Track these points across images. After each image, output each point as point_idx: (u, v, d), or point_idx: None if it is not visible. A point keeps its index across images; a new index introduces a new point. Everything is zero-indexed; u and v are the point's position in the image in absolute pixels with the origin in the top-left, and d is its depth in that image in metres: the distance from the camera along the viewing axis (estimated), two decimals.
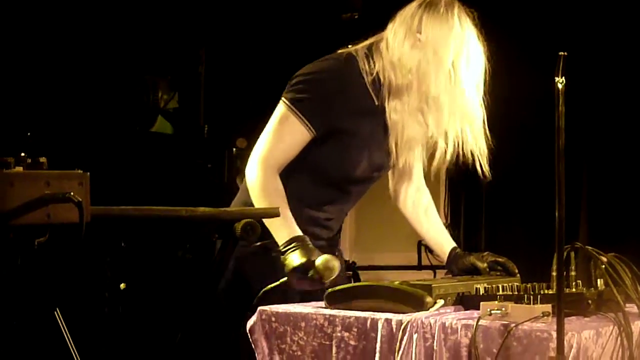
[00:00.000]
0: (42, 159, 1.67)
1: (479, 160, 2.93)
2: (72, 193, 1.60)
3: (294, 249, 2.68)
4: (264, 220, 2.65)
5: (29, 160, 1.66)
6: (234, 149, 4.97)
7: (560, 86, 1.83)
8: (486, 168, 2.94)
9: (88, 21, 4.82)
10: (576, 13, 5.31)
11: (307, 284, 2.66)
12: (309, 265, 2.63)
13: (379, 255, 6.66)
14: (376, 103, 2.90)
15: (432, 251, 5.95)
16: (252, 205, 2.83)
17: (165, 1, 5.21)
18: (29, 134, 4.37)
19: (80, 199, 1.60)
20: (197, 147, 5.07)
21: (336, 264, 2.62)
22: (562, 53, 1.84)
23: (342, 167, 2.93)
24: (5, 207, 1.59)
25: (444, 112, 2.86)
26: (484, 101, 2.93)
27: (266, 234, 2.69)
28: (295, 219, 2.80)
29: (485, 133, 2.94)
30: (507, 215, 6.54)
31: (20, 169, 1.67)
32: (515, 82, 5.91)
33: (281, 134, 2.85)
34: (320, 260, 2.61)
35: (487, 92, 2.92)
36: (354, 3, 4.18)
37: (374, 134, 2.92)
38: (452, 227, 6.08)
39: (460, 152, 2.90)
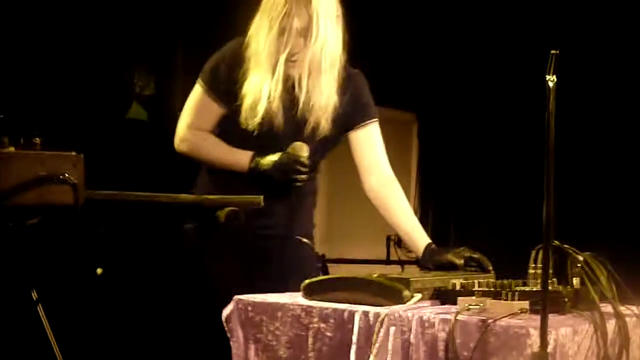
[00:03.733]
0: (37, 140, 1.65)
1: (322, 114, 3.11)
2: (67, 175, 1.58)
3: (261, 156, 3.06)
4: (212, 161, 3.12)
5: (22, 140, 1.64)
6: None
7: (551, 84, 1.85)
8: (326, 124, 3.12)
9: (64, 5, 4.78)
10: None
11: (284, 173, 3.03)
12: (283, 155, 3.04)
13: (348, 248, 6.68)
14: None
15: (402, 246, 6.05)
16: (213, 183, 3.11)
17: None
18: (1, 115, 4.32)
19: (76, 181, 1.58)
20: (172, 133, 5.03)
21: (302, 146, 3.05)
22: (554, 51, 1.87)
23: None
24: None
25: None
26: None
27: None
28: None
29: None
30: (477, 212, 6.60)
31: (12, 148, 1.65)
32: (505, 80, 6.00)
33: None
34: (289, 147, 3.04)
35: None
36: None
37: None
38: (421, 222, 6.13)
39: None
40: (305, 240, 3.25)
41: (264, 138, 3.08)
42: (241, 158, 3.09)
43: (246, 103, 3.05)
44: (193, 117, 3.18)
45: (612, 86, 5.78)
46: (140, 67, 5.14)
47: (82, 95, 4.82)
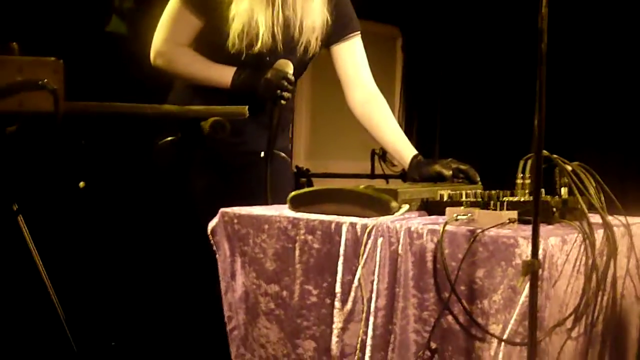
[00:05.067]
0: (14, 44, 1.58)
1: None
2: (46, 80, 1.52)
3: (246, 72, 3.02)
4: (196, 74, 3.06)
5: None
6: None
7: None
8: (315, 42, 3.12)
9: None
10: None
11: (271, 89, 3.00)
12: (271, 71, 3.01)
13: (333, 162, 6.66)
14: None
15: (386, 160, 6.04)
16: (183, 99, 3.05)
17: None
18: None
19: (56, 87, 1.53)
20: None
21: (288, 62, 3.04)
22: None
23: None
24: None
25: None
26: None
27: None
28: None
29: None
30: (462, 124, 6.58)
31: None
32: None
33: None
34: (275, 63, 3.04)
35: None
36: None
37: None
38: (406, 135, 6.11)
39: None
40: (283, 154, 3.25)
41: (252, 60, 3.04)
42: (224, 73, 3.04)
43: (236, 27, 3.00)
44: (170, 30, 3.10)
45: None
46: None
47: (60, 7, 4.72)
